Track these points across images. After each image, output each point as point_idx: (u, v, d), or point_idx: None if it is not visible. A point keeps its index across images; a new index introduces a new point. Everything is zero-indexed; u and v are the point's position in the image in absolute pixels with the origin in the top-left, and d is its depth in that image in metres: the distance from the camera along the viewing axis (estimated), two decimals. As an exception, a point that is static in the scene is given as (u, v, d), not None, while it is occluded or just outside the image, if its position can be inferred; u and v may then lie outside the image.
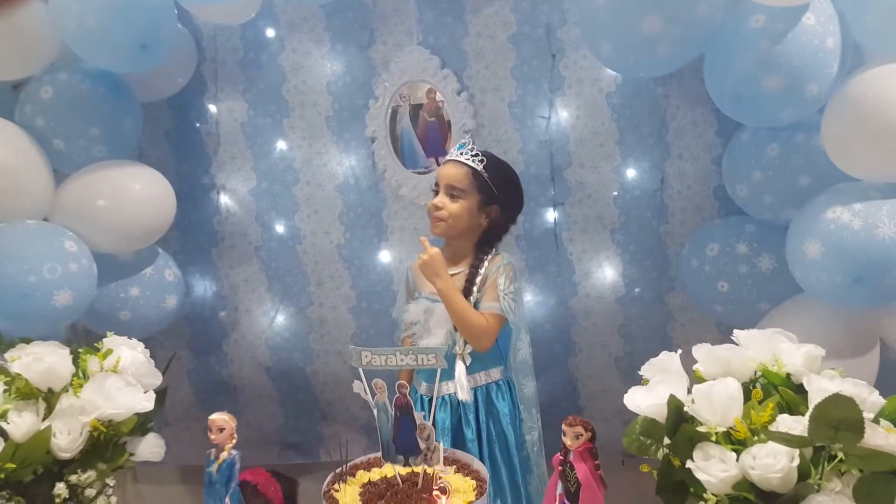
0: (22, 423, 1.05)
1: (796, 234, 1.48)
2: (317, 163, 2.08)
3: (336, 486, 1.24)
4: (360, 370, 1.26)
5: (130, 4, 1.60)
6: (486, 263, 1.63)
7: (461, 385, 1.59)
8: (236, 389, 2.22)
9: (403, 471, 1.27)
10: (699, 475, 0.84)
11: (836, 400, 0.80)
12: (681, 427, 0.89)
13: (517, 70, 1.96)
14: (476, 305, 1.61)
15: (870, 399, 0.93)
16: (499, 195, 1.63)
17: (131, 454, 1.23)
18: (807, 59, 1.41)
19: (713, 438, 0.88)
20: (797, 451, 0.82)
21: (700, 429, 0.88)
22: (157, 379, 1.24)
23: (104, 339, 1.28)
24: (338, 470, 1.29)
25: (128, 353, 1.22)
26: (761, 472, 0.82)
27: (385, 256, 2.09)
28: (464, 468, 1.29)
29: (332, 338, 2.14)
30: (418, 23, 1.97)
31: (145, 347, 1.34)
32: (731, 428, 0.87)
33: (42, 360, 1.13)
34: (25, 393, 1.09)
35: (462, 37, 1.96)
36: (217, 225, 2.16)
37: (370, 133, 2.03)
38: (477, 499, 1.18)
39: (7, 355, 1.20)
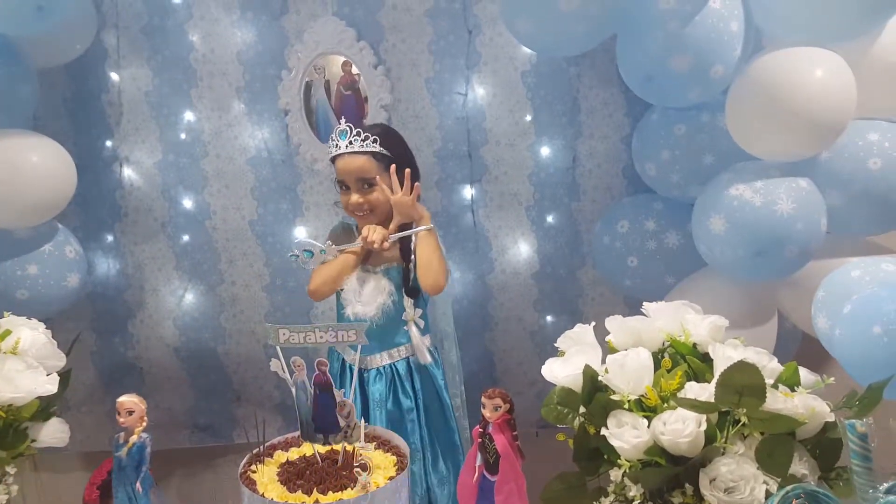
0: None
1: (701, 210, 1.56)
2: (227, 135, 2.00)
3: (253, 466, 1.22)
4: (278, 348, 1.24)
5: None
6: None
7: (420, 349, 1.61)
8: (143, 371, 2.12)
9: (322, 449, 1.26)
10: (613, 441, 0.89)
11: (740, 367, 0.86)
12: (595, 396, 0.94)
13: (434, 45, 1.95)
14: (418, 294, 1.63)
15: (769, 366, 1.00)
16: (402, 159, 1.63)
17: (33, 440, 1.16)
18: (713, 41, 1.48)
19: (626, 406, 0.92)
20: (704, 417, 0.88)
21: (614, 397, 0.93)
22: (60, 361, 1.17)
23: (1, 320, 1.19)
24: (255, 451, 1.26)
25: (28, 333, 1.14)
26: (671, 437, 0.87)
27: (301, 232, 2.05)
28: (384, 444, 1.30)
29: (246, 317, 2.09)
30: (333, -9, 1.93)
31: (46, 328, 1.26)
32: (643, 396, 0.92)
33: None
34: None
35: (378, 8, 1.93)
36: (120, 199, 2.04)
37: (283, 105, 1.97)
38: (398, 474, 1.19)
39: None
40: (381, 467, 1.22)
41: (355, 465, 1.17)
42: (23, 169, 1.60)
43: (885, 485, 0.76)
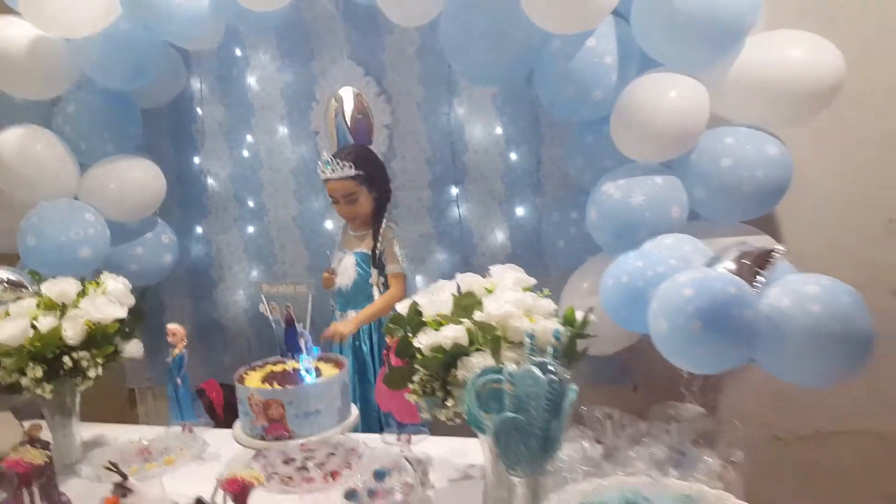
0: (46, 322, 1.72)
1: (588, 203, 2.00)
2: (275, 152, 2.70)
3: (246, 373, 1.88)
4: (262, 296, 1.89)
5: (126, 42, 2.23)
6: (380, 234, 2.26)
7: None
8: (224, 327, 2.89)
9: (293, 365, 1.89)
10: (415, 342, 1.42)
11: (466, 295, 1.36)
12: (414, 319, 1.47)
13: (423, 77, 2.51)
14: (383, 268, 2.24)
15: (539, 304, 1.49)
16: (375, 176, 2.23)
17: (120, 351, 1.89)
18: (590, 73, 1.92)
19: (430, 324, 1.45)
20: (464, 328, 1.39)
21: (425, 318, 1.46)
22: (130, 300, 1.89)
23: (101, 276, 1.94)
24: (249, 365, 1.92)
25: (112, 283, 1.87)
26: (445, 341, 1.39)
27: (329, 224, 2.71)
28: (332, 360, 1.91)
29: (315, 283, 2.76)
30: (346, 41, 2.55)
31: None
32: (438, 318, 1.45)
33: (57, 285, 1.80)
34: (48, 305, 1.77)
35: (380, 51, 2.52)
36: (205, 201, 2.82)
37: (314, 128, 2.64)
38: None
39: (42, 285, 1.88)
40: (325, 372, 1.83)
41: (304, 371, 1.79)
42: (128, 181, 2.38)
43: (538, 359, 1.22)
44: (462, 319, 1.43)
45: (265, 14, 2.17)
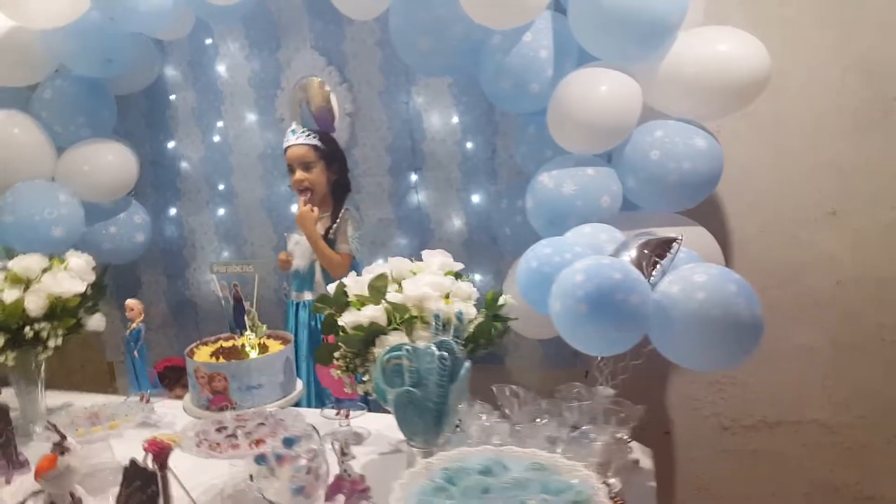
0: (10, 295, 1.85)
1: (527, 192, 2.10)
2: (244, 137, 2.82)
3: (197, 347, 2.01)
4: (215, 276, 2.01)
5: (97, 32, 2.34)
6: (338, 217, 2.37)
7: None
8: (196, 305, 3.03)
9: (241, 340, 2.01)
10: (340, 321, 1.54)
11: (378, 277, 1.48)
12: (341, 298, 1.59)
13: (383, 66, 2.60)
14: (333, 244, 2.35)
15: (458, 287, 1.60)
16: (335, 156, 2.34)
17: (83, 324, 2.02)
18: (525, 66, 2.01)
19: (354, 304, 1.57)
20: (382, 308, 1.51)
21: (350, 299, 1.58)
22: (91, 276, 2.02)
23: (67, 253, 2.07)
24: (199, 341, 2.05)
25: (74, 260, 2.00)
26: (364, 319, 1.50)
27: (294, 208, 2.81)
28: (279, 338, 2.03)
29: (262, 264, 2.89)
30: (310, 31, 2.64)
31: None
32: (357, 297, 1.56)
33: (23, 261, 1.93)
34: (14, 279, 1.90)
35: (341, 41, 2.62)
36: (179, 184, 2.95)
37: (280, 114, 2.74)
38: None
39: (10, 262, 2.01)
40: (272, 349, 1.95)
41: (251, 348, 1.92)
42: (102, 164, 2.51)
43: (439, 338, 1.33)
44: (382, 300, 1.54)
45: (230, 6, 2.27)
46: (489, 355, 2.56)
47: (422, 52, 2.13)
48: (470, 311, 1.52)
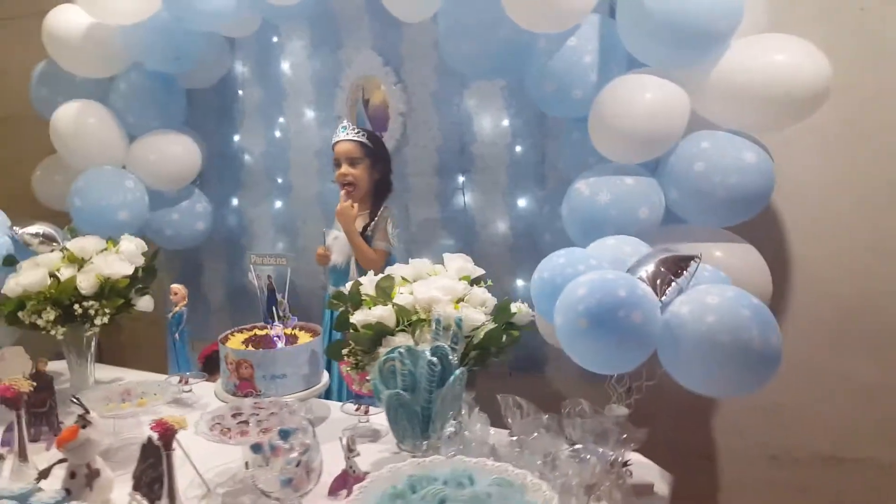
0: (66, 273, 1.99)
1: (564, 199, 2.05)
2: (303, 134, 2.90)
3: (232, 334, 2.08)
4: (252, 266, 2.08)
5: (167, 30, 2.48)
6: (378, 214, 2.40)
7: None
8: (250, 293, 3.13)
9: (273, 330, 2.08)
10: (352, 318, 1.56)
11: (384, 278, 1.48)
12: (356, 297, 1.61)
13: (438, 68, 2.61)
14: (370, 241, 2.39)
15: (472, 293, 1.58)
16: (380, 156, 2.37)
17: (133, 304, 2.15)
18: (568, 71, 1.96)
19: (366, 303, 1.58)
20: (391, 309, 1.51)
21: (364, 298, 1.59)
22: (140, 260, 2.14)
23: (122, 237, 2.20)
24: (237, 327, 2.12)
25: (126, 244, 2.13)
26: (373, 319, 1.51)
27: (340, 204, 2.87)
28: (309, 329, 2.08)
29: (310, 258, 2.95)
30: (370, 32, 2.69)
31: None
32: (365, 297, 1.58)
33: (80, 242, 2.08)
34: (70, 258, 2.05)
35: (399, 42, 2.65)
36: (241, 176, 3.07)
37: (337, 113, 2.81)
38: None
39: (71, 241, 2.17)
40: (301, 337, 2.00)
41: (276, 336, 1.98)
42: (167, 154, 2.66)
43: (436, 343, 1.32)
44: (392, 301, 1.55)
45: (290, 6, 2.34)
46: (528, 363, 2.53)
47: (466, 54, 2.12)
48: (475, 317, 1.50)
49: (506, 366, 2.47)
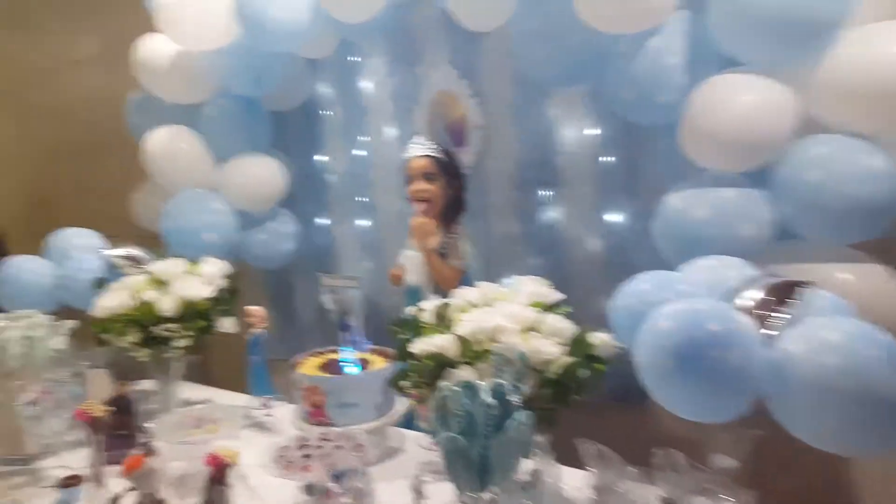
0: (149, 295, 2.04)
1: (656, 214, 1.86)
2: (383, 151, 2.85)
3: (307, 358, 2.04)
4: (325, 289, 2.04)
5: (246, 54, 2.51)
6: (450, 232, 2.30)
7: None
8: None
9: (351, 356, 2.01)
10: (411, 348, 1.46)
11: (445, 305, 1.36)
12: (416, 325, 1.51)
13: (515, 78, 2.49)
14: (445, 259, 2.30)
15: (545, 321, 1.44)
16: (455, 172, 2.27)
17: (215, 325, 2.17)
18: (651, 74, 1.78)
19: (427, 330, 1.48)
20: (453, 339, 1.39)
21: (423, 325, 1.49)
22: (220, 281, 2.15)
23: (203, 260, 2.23)
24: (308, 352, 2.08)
25: (207, 266, 2.15)
26: (436, 348, 1.40)
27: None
28: (382, 353, 2.00)
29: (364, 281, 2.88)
30: (447, 45, 2.61)
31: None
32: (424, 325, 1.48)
33: (164, 264, 2.12)
34: (153, 281, 2.09)
35: (476, 54, 2.55)
36: (327, 196, 3.07)
37: (416, 128, 2.74)
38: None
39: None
40: (375, 362, 1.93)
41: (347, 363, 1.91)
42: (252, 176, 2.69)
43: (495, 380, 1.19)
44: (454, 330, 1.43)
45: (364, 23, 2.31)
46: (627, 393, 2.33)
47: (540, 62, 1.99)
48: (547, 349, 1.36)
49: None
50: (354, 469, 1.29)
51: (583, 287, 2.46)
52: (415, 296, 2.36)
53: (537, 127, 2.48)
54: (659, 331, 1.17)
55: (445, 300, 1.50)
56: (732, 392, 1.13)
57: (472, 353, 1.39)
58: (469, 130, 2.61)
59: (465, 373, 1.38)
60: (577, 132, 2.41)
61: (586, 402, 1.50)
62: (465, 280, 2.29)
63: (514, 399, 1.16)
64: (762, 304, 1.19)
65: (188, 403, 2.22)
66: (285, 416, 2.09)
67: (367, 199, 2.96)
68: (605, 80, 1.94)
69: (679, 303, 1.21)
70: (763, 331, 1.15)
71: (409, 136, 2.75)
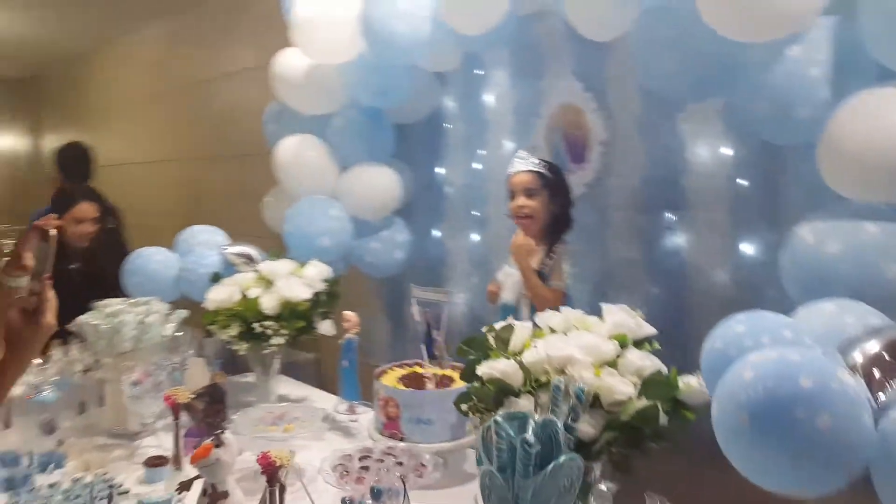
0: (254, 292, 2.12)
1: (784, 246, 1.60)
2: (501, 166, 2.77)
3: (392, 368, 2.01)
4: (415, 300, 2.00)
5: (372, 67, 2.56)
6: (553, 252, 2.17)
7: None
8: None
9: (436, 371, 1.95)
10: (478, 370, 1.36)
11: (507, 329, 1.24)
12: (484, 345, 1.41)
13: (643, 90, 2.30)
14: (545, 279, 2.16)
15: (626, 356, 1.28)
16: (560, 189, 2.13)
17: (314, 327, 2.21)
18: (788, 86, 1.54)
19: (494, 354, 1.37)
20: (516, 366, 1.27)
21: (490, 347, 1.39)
22: (320, 285, 2.19)
23: (309, 262, 2.29)
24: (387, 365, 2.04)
25: (311, 269, 2.20)
26: (499, 373, 1.29)
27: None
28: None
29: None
30: (571, 56, 2.48)
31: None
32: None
33: (273, 265, 2.20)
34: (260, 279, 2.17)
35: (602, 65, 2.40)
36: (443, 208, 3.05)
37: (533, 143, 2.63)
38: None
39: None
40: (456, 379, 1.85)
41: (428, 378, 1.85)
42: (369, 185, 2.73)
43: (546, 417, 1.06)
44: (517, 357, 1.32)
45: (484, 35, 2.26)
46: (716, 448, 2.06)
47: (663, 74, 1.81)
48: (619, 388, 1.20)
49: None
50: (395, 489, 1.22)
51: (703, 323, 2.20)
52: (508, 314, 2.25)
53: (666, 143, 2.27)
54: (738, 381, 0.98)
55: (510, 323, 1.39)
56: (820, 463, 0.91)
57: (536, 382, 1.26)
58: (590, 146, 2.46)
59: (525, 402, 1.26)
60: (711, 151, 2.18)
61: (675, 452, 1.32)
62: (566, 303, 2.15)
63: (565, 439, 1.03)
64: (878, 362, 0.96)
65: (284, 399, 2.28)
66: (370, 423, 2.08)
67: (479, 214, 2.90)
68: (736, 93, 1.72)
69: (770, 350, 1.01)
70: (872, 394, 0.92)
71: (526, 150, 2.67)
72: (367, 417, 2.14)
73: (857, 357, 0.99)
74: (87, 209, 2.81)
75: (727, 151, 2.14)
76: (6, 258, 1.26)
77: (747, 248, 2.13)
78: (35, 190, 6.43)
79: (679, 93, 1.94)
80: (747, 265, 2.13)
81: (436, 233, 3.10)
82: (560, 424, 1.05)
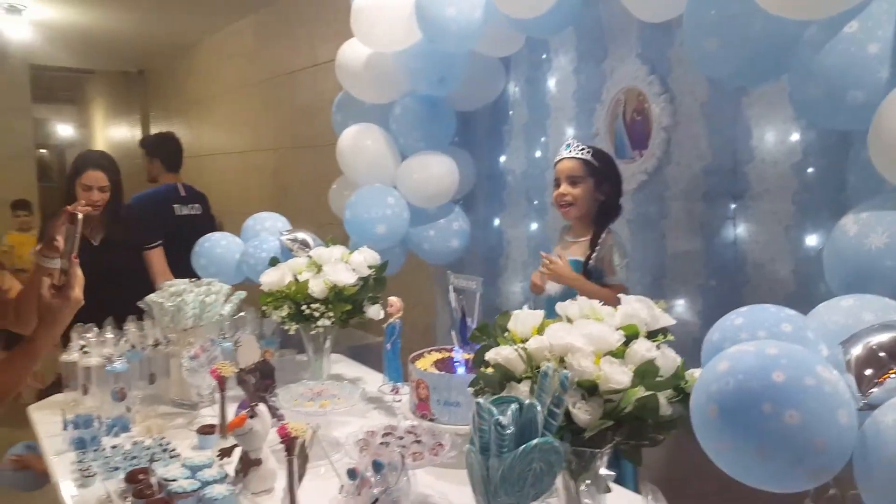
0: (305, 275, 2.20)
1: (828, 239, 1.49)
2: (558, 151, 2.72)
3: (429, 352, 2.03)
4: (451, 287, 2.01)
5: (429, 55, 2.58)
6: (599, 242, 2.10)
7: None
8: (499, 312, 3.07)
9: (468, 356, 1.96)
10: (487, 356, 1.35)
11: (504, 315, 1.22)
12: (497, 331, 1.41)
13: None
14: (593, 275, 2.10)
15: (633, 349, 1.24)
16: (607, 175, 2.07)
17: (362, 311, 2.27)
18: (843, 66, 1.42)
19: (501, 340, 1.36)
20: (515, 352, 1.25)
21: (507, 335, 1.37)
22: (366, 271, 2.23)
23: (358, 248, 2.34)
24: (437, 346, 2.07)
25: (357, 256, 2.25)
26: (502, 359, 1.28)
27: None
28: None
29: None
30: (637, 38, 2.39)
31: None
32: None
33: (325, 250, 2.27)
34: (312, 263, 2.26)
35: (669, 47, 2.30)
36: (504, 197, 3.04)
37: (595, 130, 2.56)
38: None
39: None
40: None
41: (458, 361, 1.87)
42: (427, 173, 2.76)
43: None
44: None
45: (541, 19, 2.23)
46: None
47: (709, 53, 1.71)
48: (616, 378, 1.17)
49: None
50: (395, 464, 1.25)
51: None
52: (554, 306, 2.21)
53: (731, 130, 2.15)
54: (712, 373, 0.92)
55: (507, 311, 1.39)
56: (787, 460, 0.84)
57: (536, 369, 1.25)
58: (653, 132, 2.37)
59: (524, 388, 1.25)
60: (779, 137, 2.05)
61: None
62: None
63: (547, 423, 1.02)
64: (869, 360, 0.87)
65: (336, 378, 2.37)
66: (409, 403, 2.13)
67: (538, 202, 2.86)
68: (789, 74, 1.60)
69: (749, 344, 0.94)
70: (863, 392, 0.83)
71: (587, 138, 2.61)
72: (409, 398, 2.19)
73: (852, 352, 0.91)
74: (95, 177, 2.69)
75: (794, 137, 2.01)
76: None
77: (811, 240, 1.99)
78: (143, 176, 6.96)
79: (730, 75, 1.82)
80: (809, 258, 1.99)
81: (496, 221, 3.09)
82: (539, 409, 1.04)
